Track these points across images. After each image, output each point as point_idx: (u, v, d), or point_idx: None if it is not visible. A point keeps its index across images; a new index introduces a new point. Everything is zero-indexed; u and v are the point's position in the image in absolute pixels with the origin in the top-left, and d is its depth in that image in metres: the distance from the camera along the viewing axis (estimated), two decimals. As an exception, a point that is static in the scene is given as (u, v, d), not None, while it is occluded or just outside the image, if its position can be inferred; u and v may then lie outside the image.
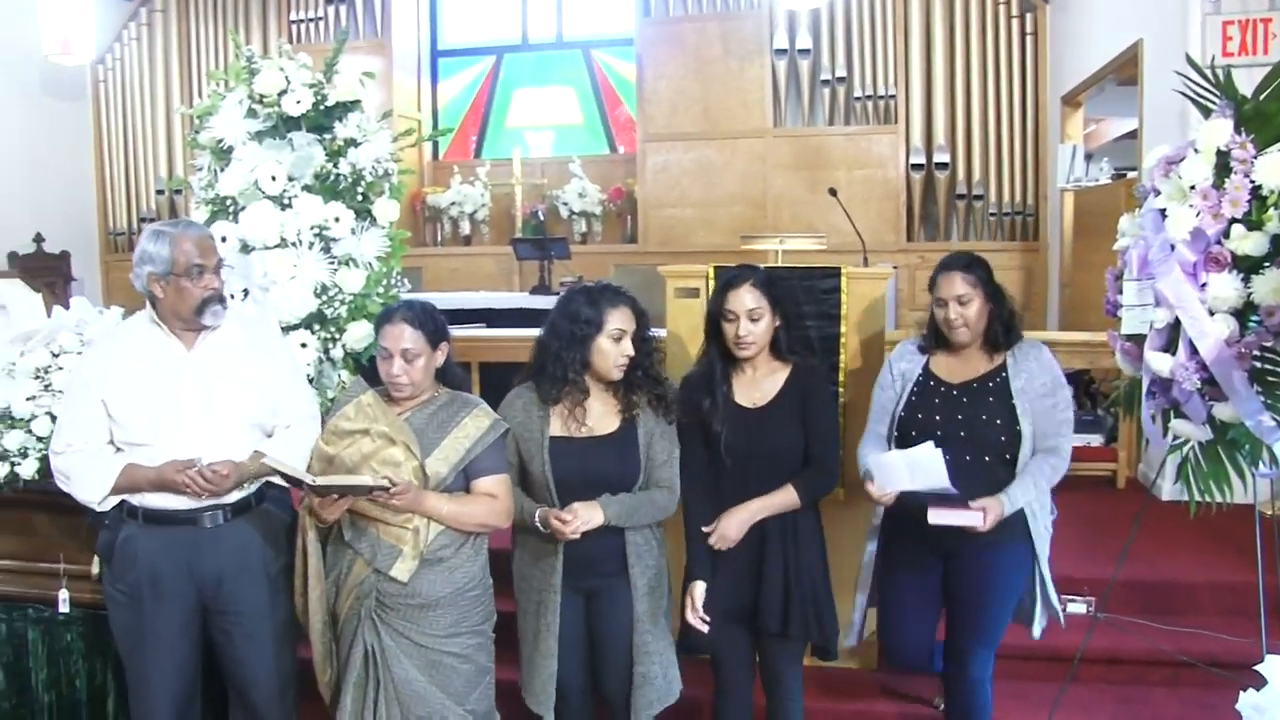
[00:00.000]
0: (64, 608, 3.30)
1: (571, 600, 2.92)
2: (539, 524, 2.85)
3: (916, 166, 8.49)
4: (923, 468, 2.80)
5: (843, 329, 3.63)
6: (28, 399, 3.25)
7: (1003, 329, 3.01)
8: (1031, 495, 2.92)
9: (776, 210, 8.70)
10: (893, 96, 8.53)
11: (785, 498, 2.94)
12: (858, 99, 8.64)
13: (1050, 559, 3.03)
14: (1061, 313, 7.80)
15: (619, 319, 2.89)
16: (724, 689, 3.10)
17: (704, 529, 2.97)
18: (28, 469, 3.25)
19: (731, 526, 2.94)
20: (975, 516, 2.83)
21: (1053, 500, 3.06)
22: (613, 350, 2.89)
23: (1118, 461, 5.51)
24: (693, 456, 3.00)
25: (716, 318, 3.00)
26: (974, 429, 2.95)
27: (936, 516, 2.86)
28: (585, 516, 2.80)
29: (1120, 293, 2.97)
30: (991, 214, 8.40)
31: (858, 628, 3.29)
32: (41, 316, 3.58)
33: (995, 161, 8.37)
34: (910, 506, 2.89)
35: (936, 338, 3.10)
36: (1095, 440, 5.65)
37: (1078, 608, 3.85)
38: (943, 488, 2.80)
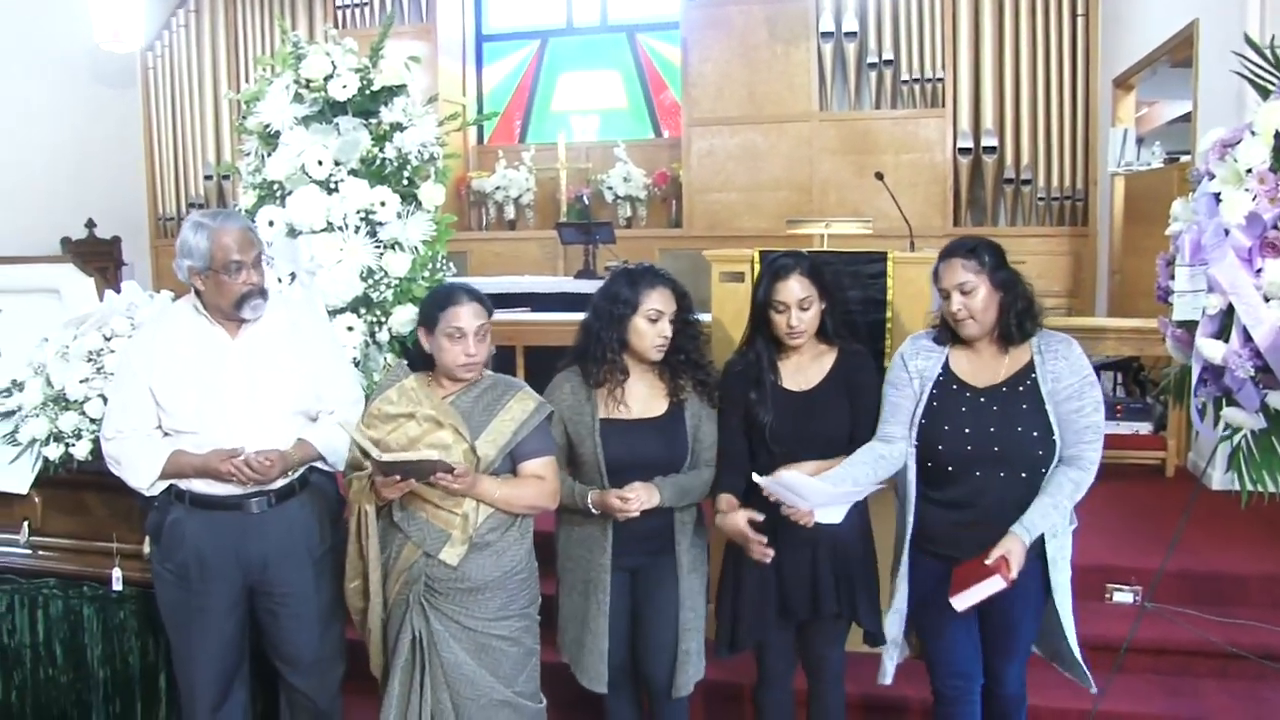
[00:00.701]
0: (117, 586, 3.35)
1: (618, 578, 2.94)
2: (592, 506, 2.86)
3: (964, 150, 8.39)
4: (800, 489, 2.67)
5: (889, 314, 3.60)
6: (81, 381, 3.30)
7: (1016, 321, 2.74)
8: (1052, 519, 2.70)
9: (822, 194, 8.64)
10: (940, 79, 8.43)
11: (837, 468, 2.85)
12: (905, 82, 8.55)
13: (1075, 614, 2.82)
14: (1111, 299, 7.69)
15: (656, 300, 2.89)
16: (766, 680, 3.10)
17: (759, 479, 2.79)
18: (82, 450, 3.30)
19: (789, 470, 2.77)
20: (996, 581, 2.59)
21: (1074, 510, 2.83)
22: (649, 331, 2.89)
23: (1167, 450, 5.42)
24: (733, 443, 2.97)
25: (765, 308, 2.93)
26: (1009, 444, 2.70)
27: (961, 601, 2.63)
28: (645, 498, 2.81)
29: (1172, 278, 2.90)
30: (1040, 199, 8.29)
31: (898, 649, 2.96)
32: (93, 300, 3.62)
33: (1044, 145, 8.24)
34: (933, 530, 2.80)
35: (950, 332, 2.84)
36: (1144, 428, 5.57)
37: (1125, 597, 3.82)
38: (839, 498, 2.71)
